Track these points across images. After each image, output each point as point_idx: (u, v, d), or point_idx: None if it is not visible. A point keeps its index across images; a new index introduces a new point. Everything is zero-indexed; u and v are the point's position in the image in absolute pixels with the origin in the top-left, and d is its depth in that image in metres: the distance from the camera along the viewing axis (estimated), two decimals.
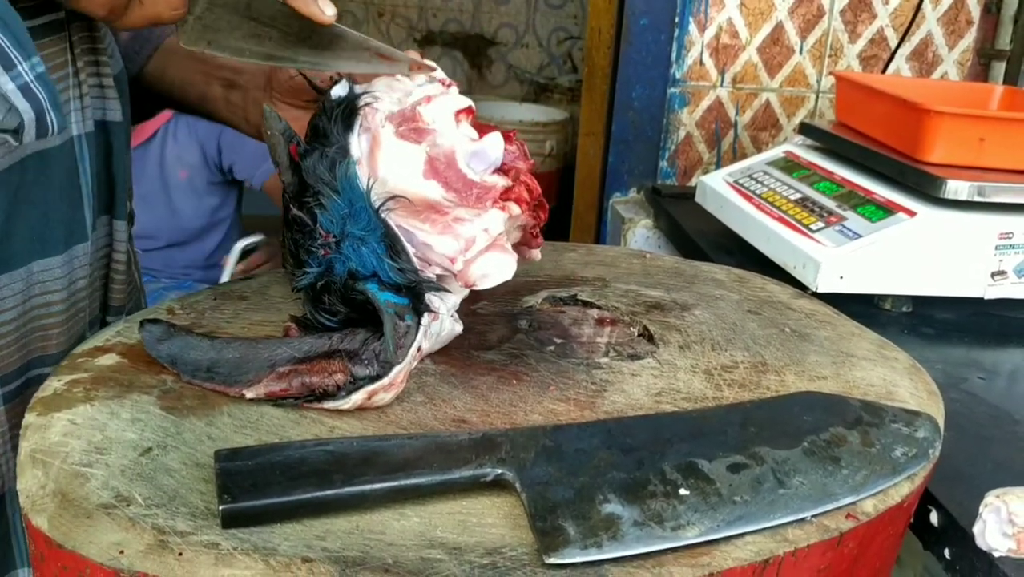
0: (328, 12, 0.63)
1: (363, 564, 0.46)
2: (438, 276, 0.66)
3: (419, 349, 0.62)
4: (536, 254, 0.76)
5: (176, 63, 0.86)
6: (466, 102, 0.68)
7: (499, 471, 0.53)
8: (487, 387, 0.65)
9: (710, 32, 1.71)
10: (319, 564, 0.46)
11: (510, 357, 0.70)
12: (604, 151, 1.84)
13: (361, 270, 0.61)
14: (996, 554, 0.64)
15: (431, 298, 0.64)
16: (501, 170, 0.67)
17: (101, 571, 0.46)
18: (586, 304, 0.81)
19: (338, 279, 0.62)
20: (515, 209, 0.66)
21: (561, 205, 3.12)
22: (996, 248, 1.09)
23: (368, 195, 0.62)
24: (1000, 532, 0.63)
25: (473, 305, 0.78)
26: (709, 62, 1.73)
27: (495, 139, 0.67)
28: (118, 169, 0.75)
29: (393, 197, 0.63)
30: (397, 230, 0.63)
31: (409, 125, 0.65)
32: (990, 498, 0.64)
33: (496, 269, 0.66)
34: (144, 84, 0.87)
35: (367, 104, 0.66)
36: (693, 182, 1.75)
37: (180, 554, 0.46)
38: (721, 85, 1.75)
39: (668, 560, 0.48)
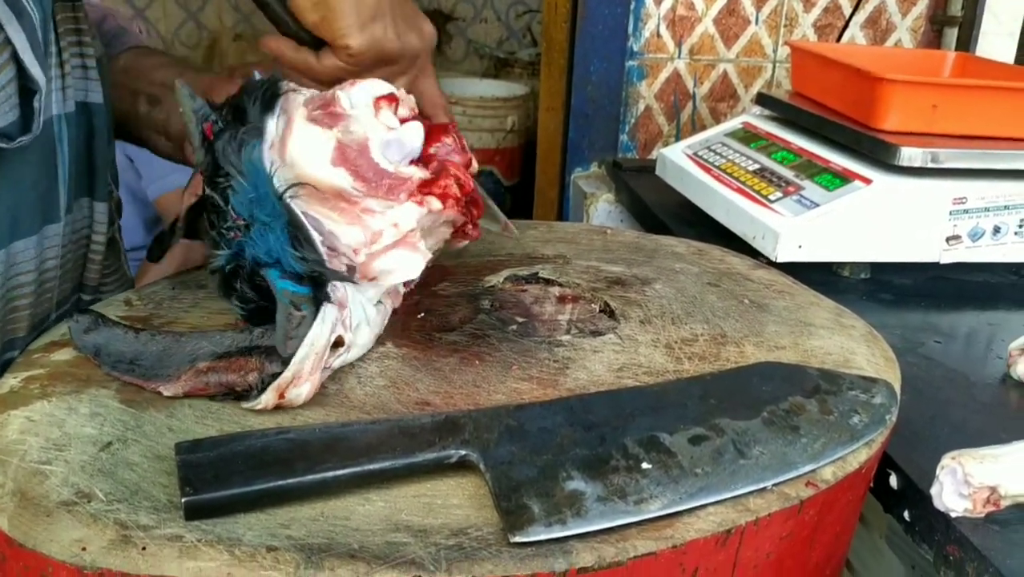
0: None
1: (328, 550, 0.46)
2: (349, 266, 0.64)
3: (330, 340, 0.59)
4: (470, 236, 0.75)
5: (113, 81, 0.83)
6: (388, 89, 0.65)
7: (463, 453, 0.53)
8: (450, 368, 0.65)
9: (666, 4, 1.71)
10: (284, 552, 0.46)
11: (472, 338, 0.70)
12: (564, 126, 1.84)
13: (265, 257, 0.60)
14: (953, 514, 0.65)
15: (342, 288, 0.61)
16: (422, 161, 0.65)
17: (64, 569, 0.46)
18: (548, 282, 0.81)
19: (246, 264, 0.61)
20: (434, 204, 0.64)
21: (524, 181, 3.12)
22: (950, 213, 1.11)
23: (271, 180, 0.61)
24: (956, 493, 0.65)
25: (434, 286, 0.78)
26: (666, 34, 1.73)
27: (413, 128, 0.64)
28: (99, 150, 0.74)
29: (300, 184, 0.61)
30: (304, 217, 0.61)
31: (325, 109, 0.63)
32: (946, 460, 0.65)
33: (401, 267, 0.64)
34: None
35: (291, 89, 0.65)
36: (654, 155, 1.75)
37: (144, 548, 0.46)
38: (679, 57, 1.76)
39: (632, 534, 0.49)
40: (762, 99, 1.42)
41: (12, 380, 0.61)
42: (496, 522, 0.49)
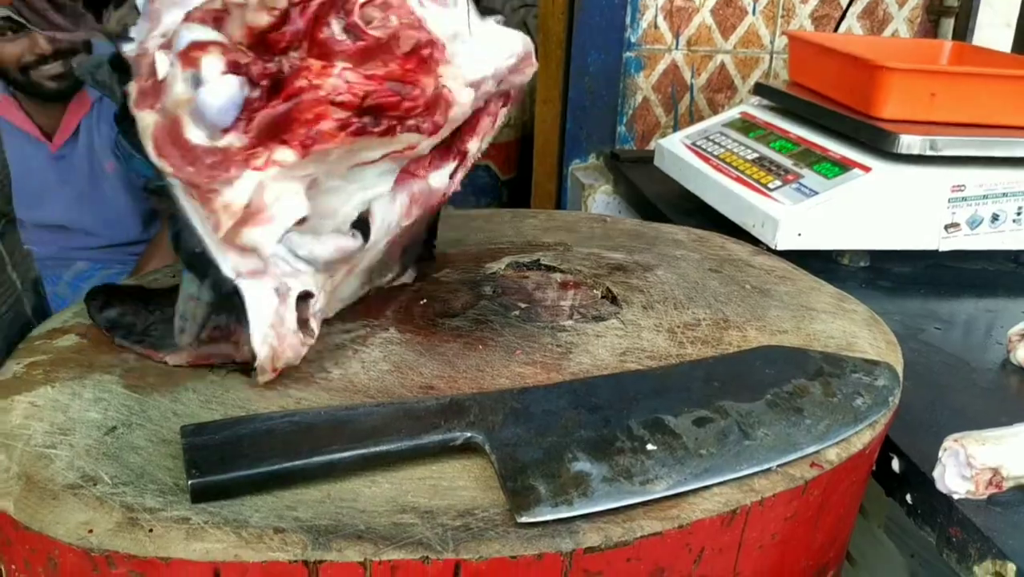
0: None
1: (335, 532, 0.46)
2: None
3: (275, 307, 0.55)
4: (438, 181, 0.62)
5: None
6: (194, 36, 0.52)
7: (468, 434, 0.53)
8: (453, 353, 0.65)
9: None
10: (291, 534, 0.46)
11: (475, 323, 0.70)
12: (562, 118, 1.83)
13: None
14: (956, 497, 0.65)
15: (247, 263, 0.55)
16: (249, 114, 0.52)
17: (70, 551, 0.46)
18: (549, 268, 0.81)
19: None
20: (286, 156, 0.51)
21: (521, 174, 3.11)
22: (949, 201, 1.11)
23: (134, 167, 0.56)
24: (959, 475, 0.65)
25: (436, 273, 0.78)
26: (663, 25, 1.73)
27: (213, 90, 0.51)
28: None
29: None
30: (188, 198, 0.54)
31: (149, 80, 0.53)
32: (948, 442, 0.66)
33: (259, 243, 0.54)
34: None
35: (126, 45, 0.55)
36: (651, 146, 1.75)
37: (151, 530, 0.46)
38: (676, 48, 1.76)
39: (638, 514, 0.49)
40: (760, 89, 1.42)
41: (15, 366, 0.61)
42: (502, 503, 0.49)
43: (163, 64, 0.52)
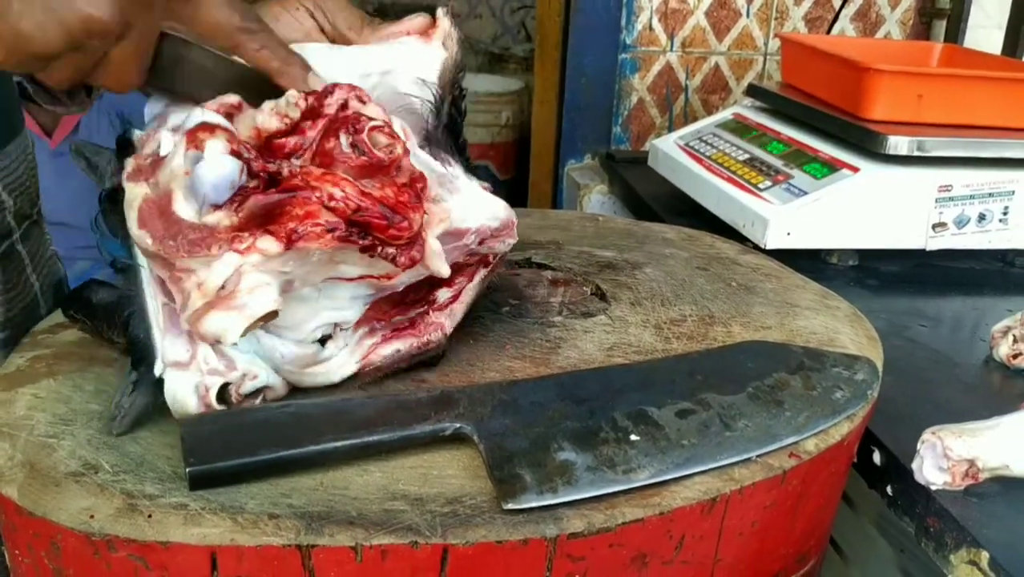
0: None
1: (328, 518, 0.48)
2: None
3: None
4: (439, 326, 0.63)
5: None
6: (201, 118, 0.54)
7: (457, 425, 0.55)
8: (445, 348, 0.67)
9: None
10: (285, 520, 0.48)
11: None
12: (558, 119, 1.86)
13: None
14: (933, 488, 0.67)
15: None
16: (242, 197, 0.52)
17: (72, 536, 0.47)
18: (540, 266, 0.83)
19: None
20: (269, 246, 0.51)
21: (520, 175, 3.13)
22: (936, 201, 1.13)
23: (106, 245, 0.57)
24: (936, 467, 0.67)
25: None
26: (658, 27, 1.75)
27: (211, 164, 0.52)
28: None
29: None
30: (152, 282, 0.55)
31: (151, 158, 0.54)
32: (926, 435, 0.68)
33: (221, 330, 0.52)
34: None
35: (138, 136, 0.57)
36: (646, 147, 1.77)
37: (150, 516, 0.48)
38: (671, 50, 1.78)
39: (620, 502, 0.51)
40: (753, 90, 1.44)
41: (19, 359, 0.63)
42: (490, 491, 0.51)
43: (167, 141, 0.54)
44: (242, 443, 0.52)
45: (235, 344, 0.54)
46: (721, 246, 0.92)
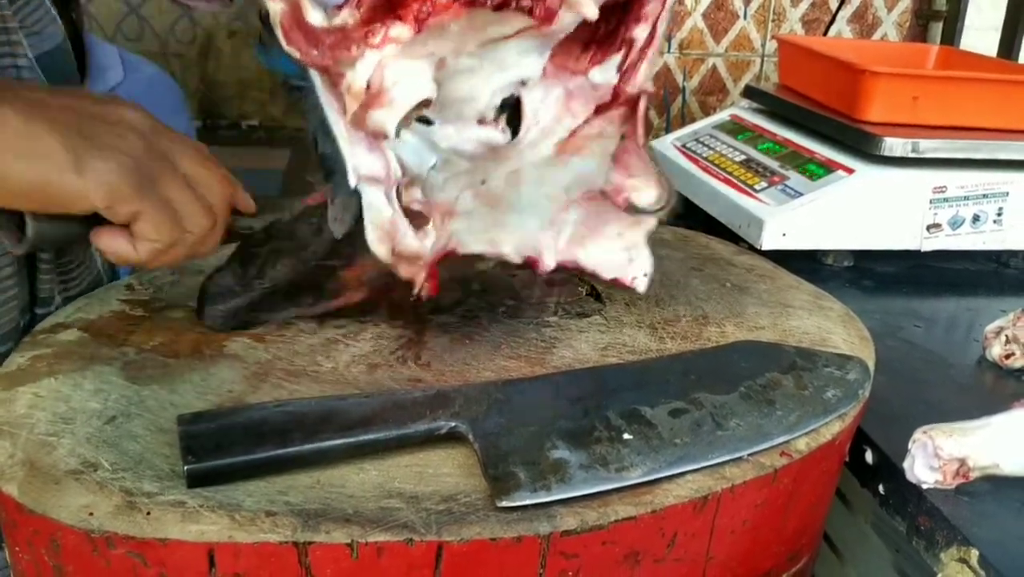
0: None
1: (324, 516, 0.49)
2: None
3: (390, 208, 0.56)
4: (601, 76, 0.56)
5: None
6: None
7: (453, 424, 0.55)
8: (441, 348, 0.68)
9: None
10: (282, 517, 0.48)
11: (463, 319, 0.72)
12: None
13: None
14: (924, 486, 0.68)
15: (372, 164, 0.54)
16: None
17: (72, 533, 0.48)
18: None
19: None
20: (401, 32, 0.50)
21: None
22: (931, 202, 1.13)
23: (276, 64, 0.57)
24: (927, 466, 0.68)
25: None
26: None
27: None
28: None
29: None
30: (324, 96, 0.55)
31: None
32: (918, 434, 0.68)
33: (385, 123, 0.51)
34: None
35: None
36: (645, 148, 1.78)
37: (148, 513, 0.48)
38: (668, 51, 1.78)
39: (613, 500, 0.51)
40: (749, 92, 1.45)
41: (19, 359, 0.63)
42: (484, 489, 0.51)
43: None
44: (240, 441, 0.52)
45: (398, 137, 0.53)
46: (716, 247, 0.93)
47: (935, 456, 0.67)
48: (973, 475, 0.67)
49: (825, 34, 1.79)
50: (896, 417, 0.78)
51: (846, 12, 1.80)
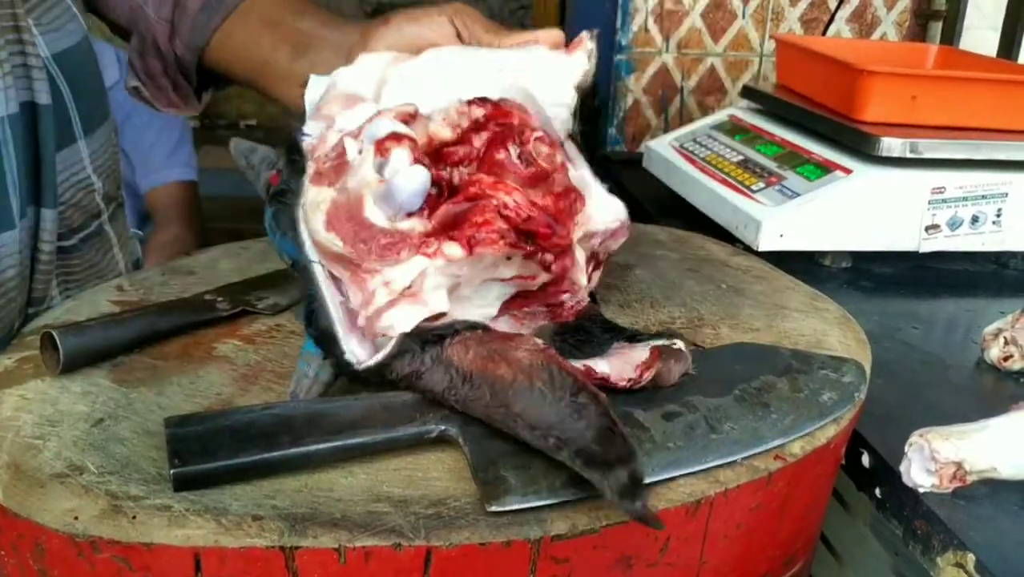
0: None
1: (312, 520, 0.48)
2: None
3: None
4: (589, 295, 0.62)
5: (246, 26, 0.79)
6: (390, 128, 0.57)
7: (443, 427, 0.55)
8: None
9: None
10: (269, 521, 0.48)
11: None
12: None
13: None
14: (921, 490, 0.67)
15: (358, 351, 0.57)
16: (431, 206, 0.56)
17: (57, 537, 0.47)
18: None
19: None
20: (453, 251, 0.54)
21: None
22: (929, 203, 1.13)
23: (301, 247, 0.59)
24: (924, 469, 0.67)
25: None
26: (654, 28, 1.75)
27: (407, 174, 0.55)
28: (46, 153, 0.72)
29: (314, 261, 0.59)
30: (325, 281, 0.58)
31: (335, 160, 0.58)
32: (914, 437, 0.68)
33: (399, 322, 0.56)
34: (209, 56, 0.82)
35: (307, 144, 0.61)
36: (642, 148, 1.77)
37: (134, 517, 0.48)
38: (667, 51, 1.78)
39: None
40: (747, 92, 1.44)
41: (6, 360, 0.63)
42: (474, 493, 0.51)
43: (352, 148, 0.57)
44: (227, 445, 0.52)
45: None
46: (712, 248, 0.92)
47: (931, 459, 0.66)
48: (970, 479, 0.66)
49: (824, 33, 1.79)
50: (893, 420, 0.77)
51: (845, 12, 1.80)
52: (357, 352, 0.57)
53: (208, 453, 0.51)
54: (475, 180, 0.56)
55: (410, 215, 0.55)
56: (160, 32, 0.80)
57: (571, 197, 0.59)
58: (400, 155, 0.55)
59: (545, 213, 0.57)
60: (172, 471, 0.50)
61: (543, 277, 0.60)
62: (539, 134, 0.58)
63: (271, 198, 0.62)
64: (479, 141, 0.58)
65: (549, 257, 0.58)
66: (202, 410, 0.58)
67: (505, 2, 3.95)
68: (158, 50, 0.81)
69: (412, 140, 0.56)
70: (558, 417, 0.51)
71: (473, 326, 0.57)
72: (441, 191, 0.57)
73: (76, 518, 0.48)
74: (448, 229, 0.55)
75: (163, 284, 0.76)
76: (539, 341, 0.55)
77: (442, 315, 0.56)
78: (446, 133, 0.58)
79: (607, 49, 1.75)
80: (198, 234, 1.90)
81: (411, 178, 0.55)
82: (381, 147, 0.56)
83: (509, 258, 0.57)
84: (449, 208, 0.55)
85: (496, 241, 0.54)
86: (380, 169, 0.55)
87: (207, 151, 2.68)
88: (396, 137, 0.56)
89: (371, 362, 0.56)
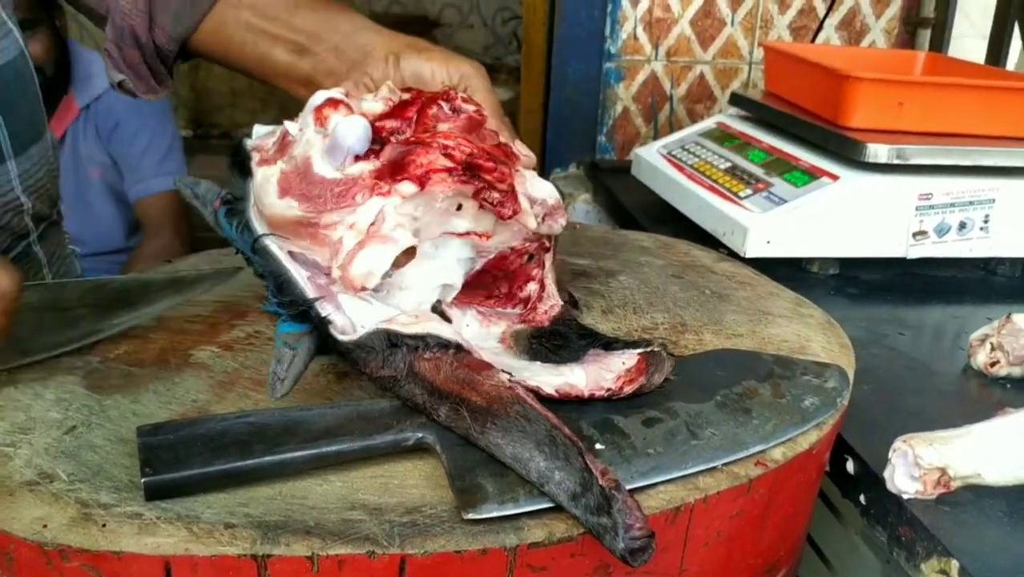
0: None
1: (285, 528, 0.47)
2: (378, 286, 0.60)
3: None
4: (516, 218, 0.62)
5: (237, 18, 0.78)
6: (326, 95, 0.61)
7: (420, 435, 0.54)
8: None
9: (643, 6, 1.73)
10: (241, 529, 0.47)
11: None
12: (543, 128, 1.86)
13: (274, 310, 0.62)
14: (905, 496, 0.67)
15: (342, 312, 0.59)
16: (375, 151, 0.59)
17: (25, 546, 0.47)
18: None
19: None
20: (406, 188, 0.57)
21: None
22: (916, 209, 1.13)
23: (242, 239, 0.62)
24: (908, 475, 0.67)
25: None
26: (643, 36, 1.75)
27: (347, 124, 0.58)
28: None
29: (267, 232, 0.61)
30: (286, 257, 0.60)
31: (277, 147, 0.62)
32: (898, 443, 0.67)
33: (375, 263, 0.58)
34: (196, 45, 0.81)
35: (250, 144, 0.64)
36: (631, 156, 1.77)
37: (103, 525, 0.47)
38: (656, 59, 1.78)
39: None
40: (736, 99, 1.44)
41: None
42: (451, 501, 0.50)
43: (293, 128, 0.61)
44: (200, 453, 0.51)
45: (376, 290, 0.59)
46: (697, 254, 0.92)
47: (915, 465, 0.66)
48: (954, 485, 0.66)
49: (813, 41, 1.79)
50: (878, 426, 0.77)
51: (834, 19, 1.80)
52: (334, 316, 0.58)
53: (181, 462, 0.50)
54: (415, 136, 0.60)
55: (358, 159, 0.58)
56: (139, 23, 0.78)
57: (506, 148, 0.62)
58: (339, 115, 0.59)
59: (485, 152, 0.60)
60: (144, 480, 0.49)
61: (495, 239, 0.63)
62: (464, 96, 0.63)
63: (223, 213, 0.65)
64: (411, 112, 0.61)
65: (497, 195, 0.60)
66: (177, 417, 0.57)
67: (499, 11, 3.95)
68: (136, 40, 0.79)
69: (347, 105, 0.60)
70: (544, 461, 0.51)
71: (446, 344, 0.56)
72: (383, 147, 0.60)
73: (45, 526, 0.47)
74: (397, 173, 0.58)
75: None
76: (506, 377, 0.55)
77: (412, 250, 0.59)
78: (379, 107, 0.61)
79: (596, 57, 1.75)
80: (187, 243, 1.89)
81: (352, 124, 0.58)
82: (320, 114, 0.60)
83: (460, 208, 0.60)
84: (395, 148, 0.58)
85: (444, 176, 0.58)
86: (323, 133, 0.59)
87: (200, 160, 2.67)
88: (333, 103, 0.60)
89: (347, 339, 0.57)
